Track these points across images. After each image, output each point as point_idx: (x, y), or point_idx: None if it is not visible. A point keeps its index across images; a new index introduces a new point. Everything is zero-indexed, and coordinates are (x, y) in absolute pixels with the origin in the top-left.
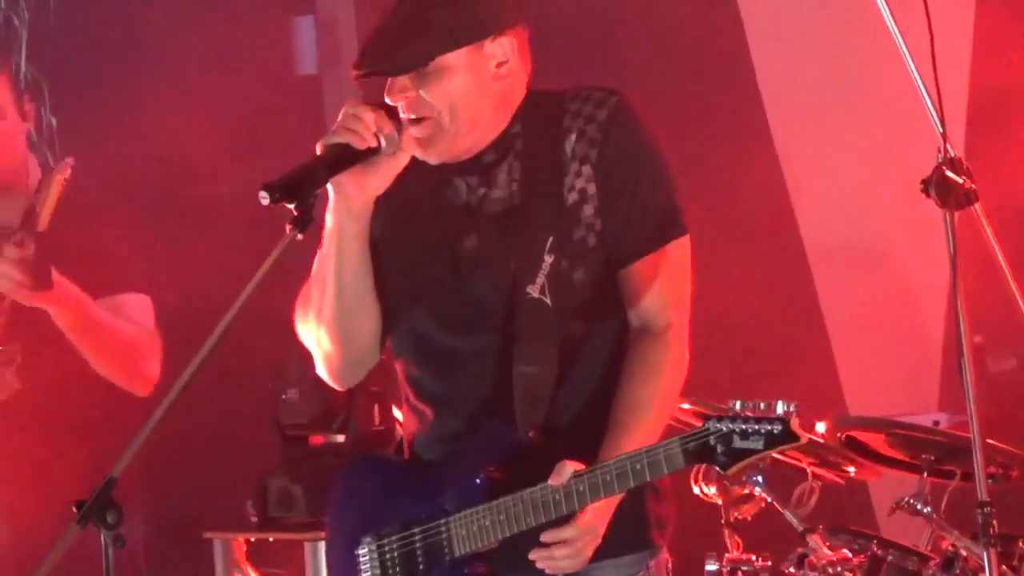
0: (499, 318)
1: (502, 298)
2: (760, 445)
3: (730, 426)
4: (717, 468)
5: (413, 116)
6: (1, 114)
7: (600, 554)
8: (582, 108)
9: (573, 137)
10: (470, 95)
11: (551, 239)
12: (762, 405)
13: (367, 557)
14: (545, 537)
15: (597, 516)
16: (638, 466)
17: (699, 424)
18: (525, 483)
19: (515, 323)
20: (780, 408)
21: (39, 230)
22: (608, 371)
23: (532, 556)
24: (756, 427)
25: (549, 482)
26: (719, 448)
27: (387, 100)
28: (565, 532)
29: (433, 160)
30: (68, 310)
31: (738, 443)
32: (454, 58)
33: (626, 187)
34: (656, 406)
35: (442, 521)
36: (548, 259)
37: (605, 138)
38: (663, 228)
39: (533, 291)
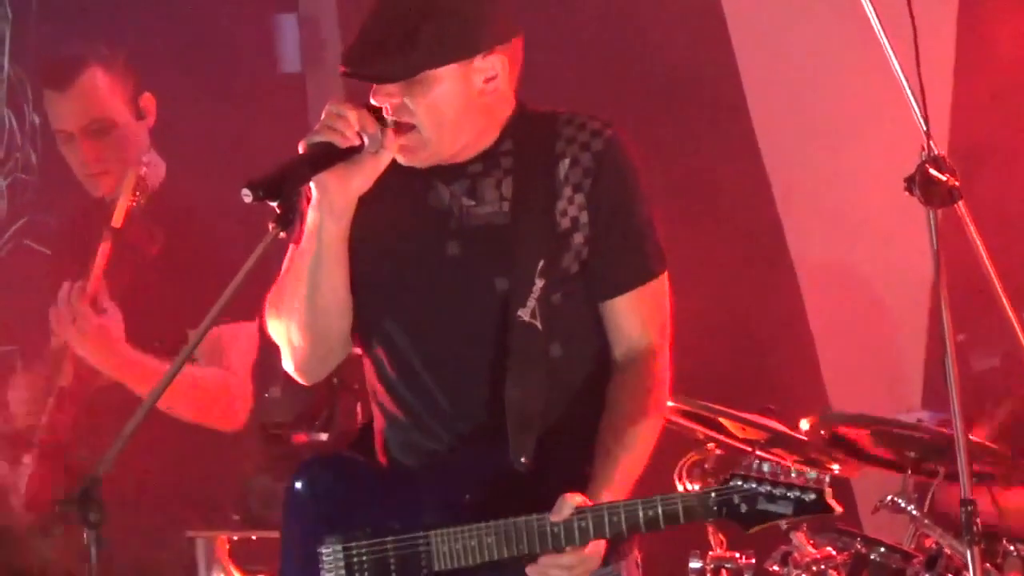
0: (489, 340)
1: (492, 319)
2: (789, 511)
3: (755, 488)
4: (738, 525)
5: (398, 121)
6: (112, 123)
7: None
8: (577, 135)
9: (567, 163)
10: (455, 108)
11: (542, 262)
12: (793, 473)
13: (331, 558)
14: (544, 560)
15: (596, 546)
16: (651, 512)
17: (683, 422)
18: (513, 508)
19: (506, 346)
20: (811, 476)
21: (114, 225)
22: (592, 397)
23: (528, 571)
24: (787, 493)
25: (551, 517)
26: (743, 507)
27: (372, 101)
28: (564, 559)
29: (417, 164)
30: (122, 373)
31: (763, 505)
32: (442, 71)
33: (617, 222)
34: (643, 437)
35: (420, 534)
36: (539, 283)
37: (599, 169)
38: (649, 265)
39: (524, 315)
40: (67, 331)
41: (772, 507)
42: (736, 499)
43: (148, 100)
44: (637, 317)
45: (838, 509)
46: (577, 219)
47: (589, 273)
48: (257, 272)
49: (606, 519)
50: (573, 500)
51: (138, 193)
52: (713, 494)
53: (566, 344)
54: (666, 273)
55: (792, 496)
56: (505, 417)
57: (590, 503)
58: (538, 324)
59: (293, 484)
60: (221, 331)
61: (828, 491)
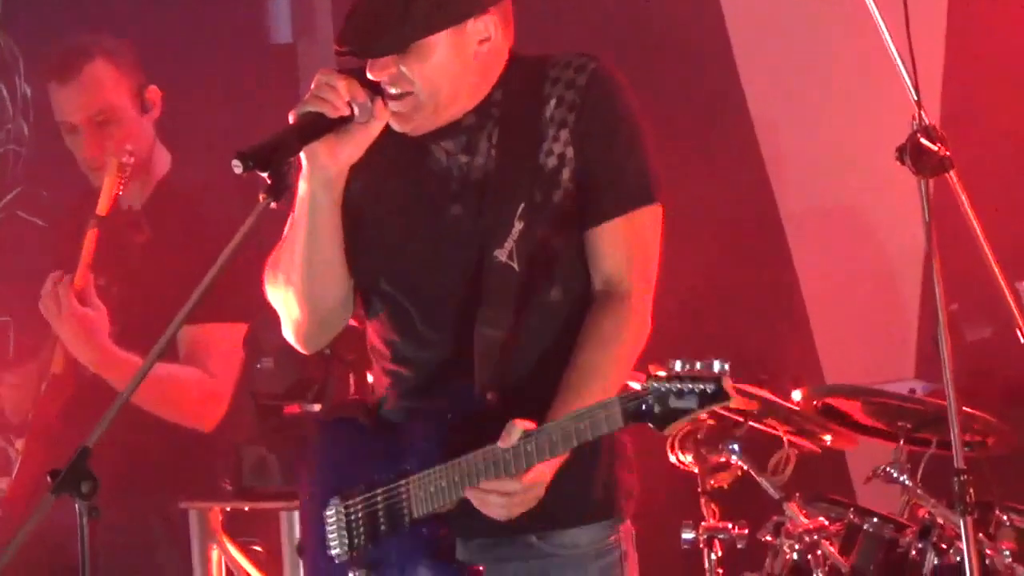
0: (466, 280)
1: (471, 262)
2: (694, 404)
3: (667, 386)
4: (653, 427)
5: (395, 91)
6: (117, 117)
7: (572, 520)
8: (562, 74)
9: (553, 103)
10: (451, 73)
11: (523, 205)
12: (699, 365)
13: (334, 518)
14: (485, 484)
15: (540, 475)
16: (581, 426)
17: None
18: (483, 444)
19: (480, 286)
20: (716, 367)
21: (99, 213)
22: (575, 335)
23: (466, 492)
24: (691, 386)
25: (499, 443)
26: (656, 408)
27: (369, 75)
28: (506, 485)
29: (412, 132)
30: (105, 370)
31: (674, 403)
32: (437, 38)
33: (600, 149)
34: (609, 372)
35: (402, 482)
36: (519, 225)
37: (583, 102)
38: (633, 194)
39: (501, 255)
40: (53, 321)
41: (680, 403)
42: (651, 400)
43: (154, 93)
44: (617, 250)
45: (735, 395)
46: (564, 155)
47: (582, 203)
48: (249, 270)
49: (547, 440)
50: (522, 425)
51: (125, 182)
52: (630, 399)
53: (559, 286)
54: (658, 208)
55: (697, 389)
56: (473, 357)
57: (534, 427)
58: (515, 265)
59: (311, 445)
60: (205, 331)
61: (727, 380)
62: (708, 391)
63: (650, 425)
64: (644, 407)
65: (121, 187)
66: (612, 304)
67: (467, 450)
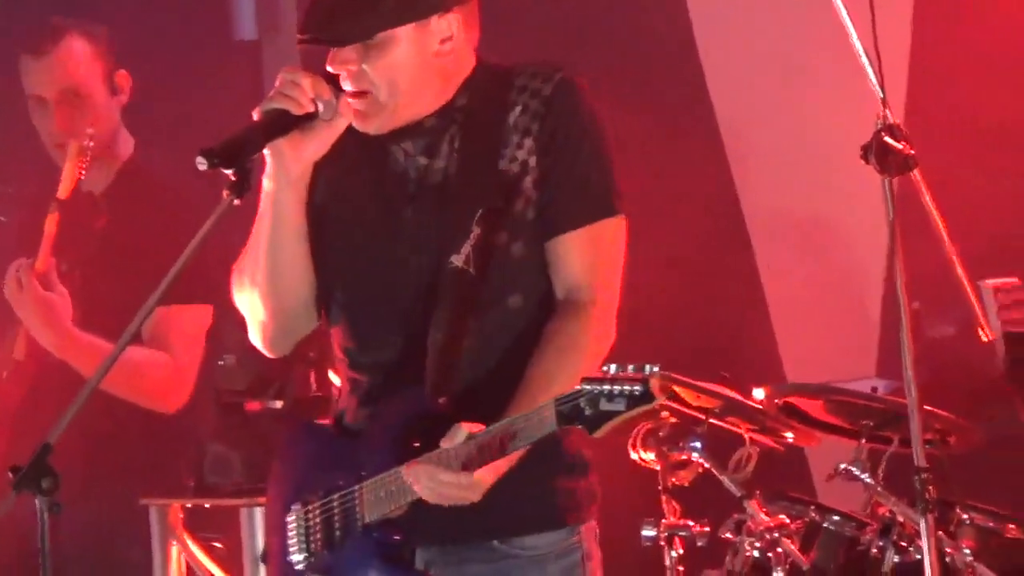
0: (421, 285)
1: (425, 266)
2: (622, 407)
3: (598, 389)
4: (585, 430)
5: (355, 89)
6: (86, 94)
7: (533, 527)
8: (529, 83)
9: (517, 111)
10: (411, 71)
11: (481, 210)
12: (631, 368)
13: (293, 524)
14: (422, 468)
15: (480, 477)
16: (516, 429)
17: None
18: (435, 448)
19: (436, 291)
20: (647, 370)
21: (59, 197)
22: (534, 341)
23: (404, 467)
24: (620, 389)
25: (442, 443)
26: (587, 411)
27: (328, 69)
28: (443, 475)
29: (372, 131)
30: (68, 354)
31: (604, 405)
32: (399, 32)
33: (563, 159)
34: (566, 381)
35: (355, 488)
36: (476, 230)
37: (547, 111)
38: (596, 205)
39: (457, 260)
40: (16, 306)
41: (609, 406)
42: (582, 403)
43: (123, 78)
44: (580, 260)
45: (661, 398)
46: (527, 163)
47: (544, 213)
48: (213, 253)
49: (487, 442)
50: (468, 428)
51: (86, 164)
52: (563, 401)
53: (520, 292)
54: (622, 220)
55: (626, 392)
56: (426, 362)
57: (479, 429)
58: (471, 270)
59: (279, 451)
60: (169, 313)
61: (654, 382)
62: (636, 393)
63: (581, 428)
64: (576, 410)
65: (82, 171)
66: (573, 313)
67: (419, 454)
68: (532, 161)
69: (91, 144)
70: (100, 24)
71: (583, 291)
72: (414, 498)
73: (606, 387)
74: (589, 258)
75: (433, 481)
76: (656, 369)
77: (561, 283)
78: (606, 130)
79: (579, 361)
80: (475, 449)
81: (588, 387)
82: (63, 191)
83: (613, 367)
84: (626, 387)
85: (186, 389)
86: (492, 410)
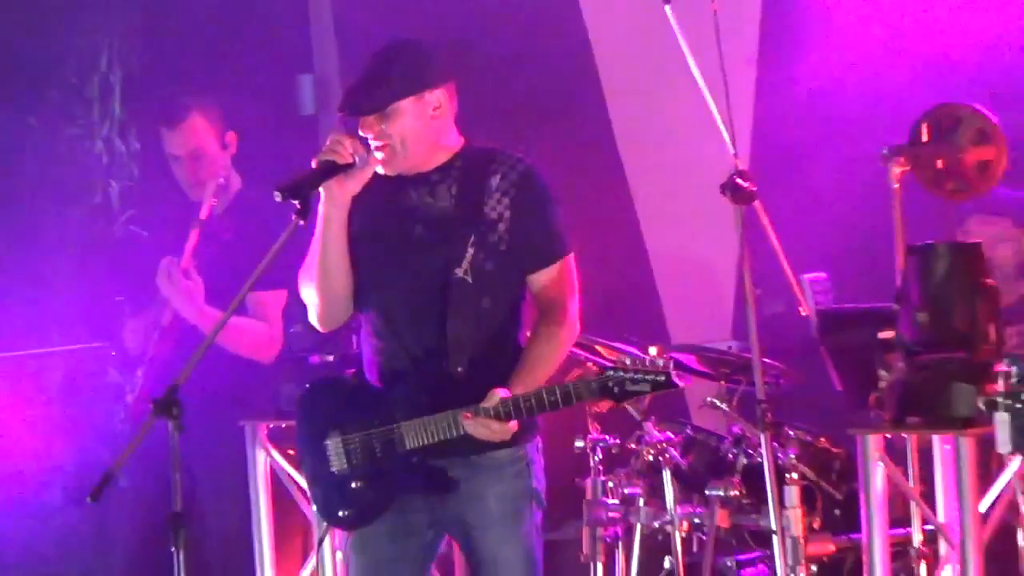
0: (434, 288)
1: (439, 277)
2: (648, 389)
3: (623, 375)
4: (613, 401)
5: (377, 143)
6: (206, 152)
7: (497, 446)
8: (505, 161)
9: (497, 178)
10: (415, 130)
11: (473, 237)
12: (647, 362)
13: (333, 448)
14: (479, 420)
15: (511, 424)
16: (553, 398)
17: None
18: (454, 403)
19: (447, 295)
20: (660, 363)
21: (200, 218)
22: (507, 329)
23: (467, 421)
24: (644, 377)
25: (483, 404)
26: (616, 389)
27: (360, 132)
28: (493, 424)
29: (391, 173)
30: (200, 322)
31: (630, 387)
32: (403, 104)
33: (533, 219)
34: (550, 362)
35: (394, 425)
36: (470, 251)
37: (520, 185)
38: (557, 249)
39: (459, 272)
40: (167, 290)
41: (636, 388)
42: (611, 384)
43: (231, 137)
44: (550, 284)
45: (681, 384)
46: (502, 214)
47: (515, 252)
48: (286, 256)
49: (522, 404)
50: (499, 393)
51: (216, 197)
52: (594, 383)
53: (494, 298)
54: (571, 255)
55: (649, 379)
56: (447, 342)
57: (509, 395)
58: (469, 279)
59: (300, 399)
60: (267, 296)
61: (673, 373)
62: (659, 380)
63: (610, 399)
64: (607, 388)
65: (215, 201)
66: (552, 320)
67: (442, 407)
68: (507, 213)
69: (223, 183)
70: (212, 100)
71: (557, 306)
72: (445, 437)
73: (631, 374)
74: (558, 283)
75: (487, 428)
76: (672, 364)
77: (542, 301)
78: (557, 196)
79: (557, 349)
80: (511, 407)
81: (614, 374)
82: (203, 214)
83: (628, 360)
84: (651, 376)
85: (276, 344)
86: (489, 376)
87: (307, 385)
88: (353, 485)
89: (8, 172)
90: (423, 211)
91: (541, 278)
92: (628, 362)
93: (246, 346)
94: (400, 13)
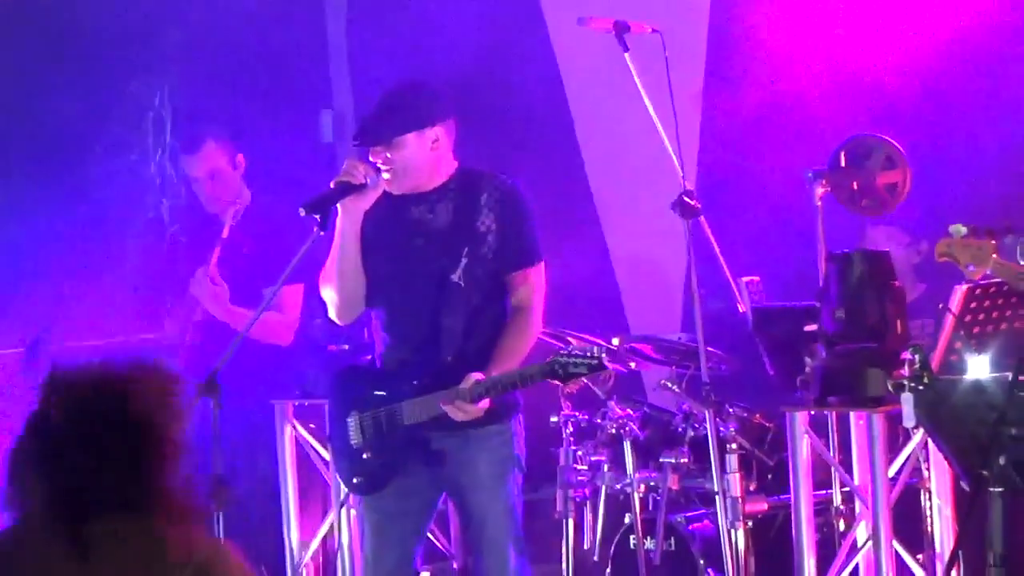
0: (435, 295)
1: (436, 281)
2: (585, 370)
3: (566, 360)
4: (559, 381)
5: (385, 168)
6: (220, 173)
7: (487, 422)
8: (493, 181)
9: (486, 196)
10: (416, 159)
11: (466, 248)
12: (587, 351)
13: (352, 424)
14: (457, 403)
15: (482, 405)
16: (513, 379)
17: (548, 339)
18: (445, 385)
19: (443, 296)
20: (595, 351)
21: (223, 236)
22: (492, 324)
23: (443, 405)
24: (582, 361)
25: (461, 386)
26: (560, 371)
27: (370, 159)
28: (466, 406)
29: (396, 192)
30: (228, 319)
31: (572, 369)
32: (407, 137)
33: (512, 230)
34: (519, 352)
35: (396, 404)
36: (464, 260)
37: (504, 200)
38: (530, 256)
39: (454, 277)
40: (199, 293)
41: (575, 370)
42: (556, 367)
43: (240, 159)
44: (522, 286)
45: (611, 368)
46: (490, 227)
47: (499, 258)
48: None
49: (490, 385)
50: (475, 376)
51: (235, 218)
52: (544, 366)
53: (483, 298)
54: (542, 264)
55: (585, 363)
56: (441, 335)
57: (483, 378)
58: (462, 283)
59: (330, 384)
60: (285, 290)
61: (604, 358)
62: (593, 363)
63: (557, 380)
64: (555, 371)
65: (234, 222)
66: (521, 316)
67: (434, 389)
68: (493, 227)
69: (240, 207)
70: (223, 128)
71: (526, 305)
72: (434, 415)
73: (572, 359)
74: (529, 285)
75: (462, 411)
76: (604, 351)
77: (514, 299)
78: (534, 210)
79: (525, 341)
80: (483, 389)
81: (561, 359)
82: (225, 233)
83: (573, 348)
84: (588, 361)
85: (291, 332)
86: (471, 364)
87: (335, 372)
88: (365, 456)
89: (81, 192)
90: (424, 225)
91: (515, 280)
92: (570, 350)
93: (266, 334)
94: (405, 59)
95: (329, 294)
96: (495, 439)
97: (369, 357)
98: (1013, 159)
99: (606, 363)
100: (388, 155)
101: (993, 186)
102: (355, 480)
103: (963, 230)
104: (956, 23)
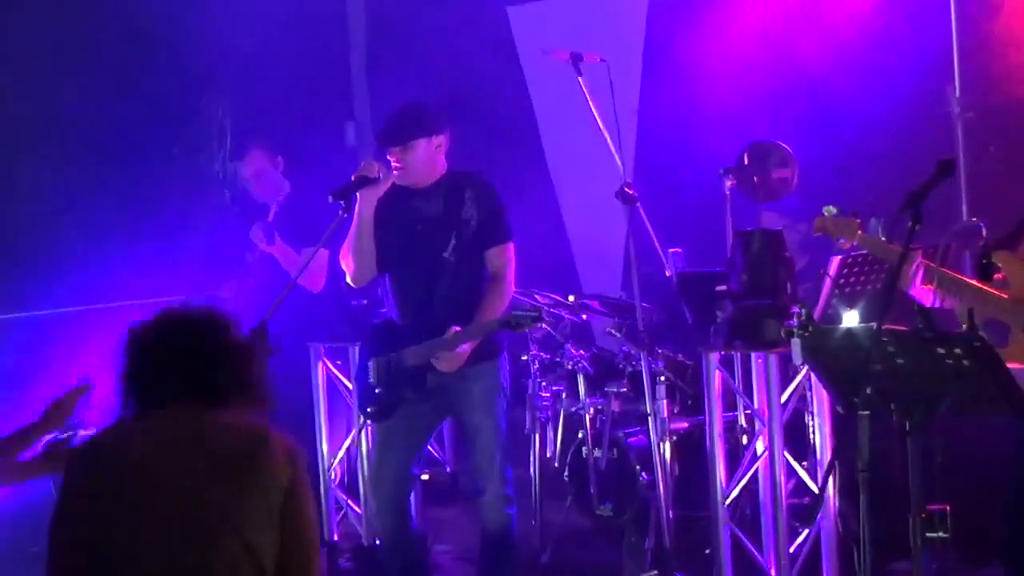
0: (430, 267)
1: (431, 257)
2: (530, 323)
3: (517, 315)
4: (512, 331)
5: (398, 165)
6: (265, 173)
7: (471, 361)
8: (475, 179)
9: (469, 191)
10: (423, 159)
11: (454, 232)
12: (531, 310)
13: (372, 368)
14: (440, 354)
15: (462, 351)
16: (484, 329)
17: (521, 298)
18: (436, 335)
19: (436, 268)
20: (537, 312)
21: (269, 220)
22: (474, 290)
23: (433, 360)
24: (528, 315)
25: (444, 336)
26: (513, 324)
27: (387, 157)
28: (446, 353)
29: (403, 184)
30: (277, 252)
31: (521, 322)
32: (418, 141)
33: (490, 218)
34: (497, 309)
35: (403, 351)
36: (453, 241)
37: (484, 196)
38: (503, 237)
39: (445, 254)
40: (256, 237)
41: (523, 323)
42: (511, 321)
43: (280, 160)
44: (497, 259)
45: (545, 320)
46: (472, 215)
47: (479, 239)
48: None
49: (464, 334)
50: (454, 328)
51: (278, 205)
52: (501, 320)
53: (468, 271)
54: (512, 243)
55: (531, 317)
56: (434, 298)
57: (460, 330)
58: (451, 259)
59: (366, 335)
60: (320, 251)
61: (542, 312)
62: (535, 316)
63: (511, 330)
64: (510, 323)
65: (277, 208)
66: (498, 282)
67: (430, 339)
68: (475, 216)
69: (281, 197)
70: (267, 137)
71: (501, 274)
72: (429, 358)
73: (522, 314)
74: (502, 260)
75: (444, 360)
76: (541, 308)
77: (491, 270)
78: (506, 202)
79: (500, 300)
80: (461, 338)
81: (515, 314)
82: (270, 216)
83: (524, 306)
84: (531, 315)
85: (322, 280)
86: (459, 320)
87: (370, 327)
88: (377, 391)
89: (160, 186)
90: (422, 214)
91: (492, 255)
92: (520, 309)
93: (305, 280)
94: (414, 81)
95: (349, 264)
96: (485, 373)
97: (384, 310)
98: (874, 148)
99: (544, 317)
100: (402, 154)
101: (858, 175)
102: (369, 409)
103: (834, 210)
104: (832, 38)
